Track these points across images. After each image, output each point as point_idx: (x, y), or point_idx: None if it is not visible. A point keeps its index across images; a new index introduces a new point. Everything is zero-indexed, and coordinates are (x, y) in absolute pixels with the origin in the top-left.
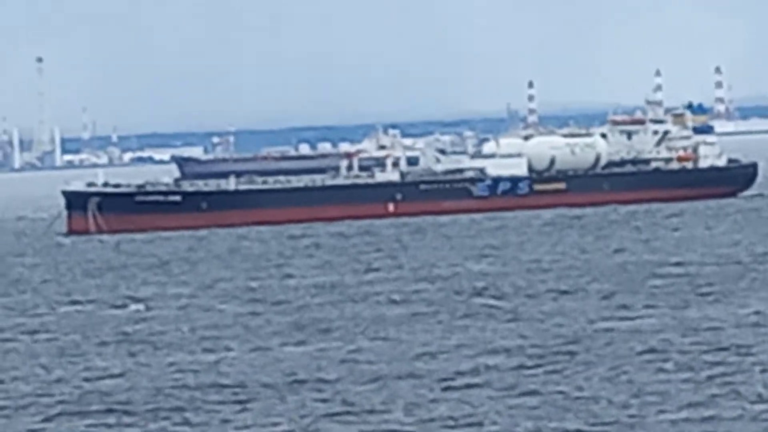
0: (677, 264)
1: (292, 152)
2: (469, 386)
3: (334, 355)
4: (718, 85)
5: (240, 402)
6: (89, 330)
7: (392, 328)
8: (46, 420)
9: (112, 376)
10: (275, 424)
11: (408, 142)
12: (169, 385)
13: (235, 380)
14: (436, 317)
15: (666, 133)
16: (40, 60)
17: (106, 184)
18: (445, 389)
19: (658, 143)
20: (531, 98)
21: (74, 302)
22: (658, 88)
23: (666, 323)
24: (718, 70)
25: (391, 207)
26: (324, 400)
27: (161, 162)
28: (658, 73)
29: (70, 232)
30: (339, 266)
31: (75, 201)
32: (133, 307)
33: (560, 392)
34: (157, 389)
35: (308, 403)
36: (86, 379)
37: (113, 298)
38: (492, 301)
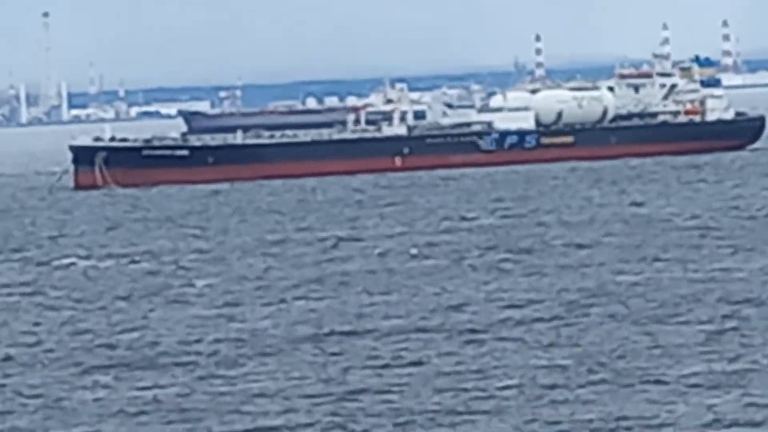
0: (693, 217)
1: (299, 106)
2: (489, 339)
3: (353, 309)
4: (726, 38)
5: (263, 355)
6: (108, 284)
7: (411, 281)
8: (73, 375)
9: (133, 330)
10: (299, 378)
11: (415, 96)
12: (192, 339)
13: (256, 334)
14: (454, 271)
15: (673, 86)
16: (46, 15)
17: (113, 139)
18: (468, 342)
19: (666, 97)
20: (538, 52)
21: (89, 256)
22: (666, 41)
23: (684, 276)
24: (725, 23)
25: (398, 161)
26: (345, 353)
27: (168, 116)
28: (665, 27)
29: (77, 186)
30: (352, 220)
31: (82, 156)
32: (145, 264)
33: (580, 345)
34: (180, 343)
35: (330, 357)
36: (108, 334)
37: (129, 253)
38: (509, 255)
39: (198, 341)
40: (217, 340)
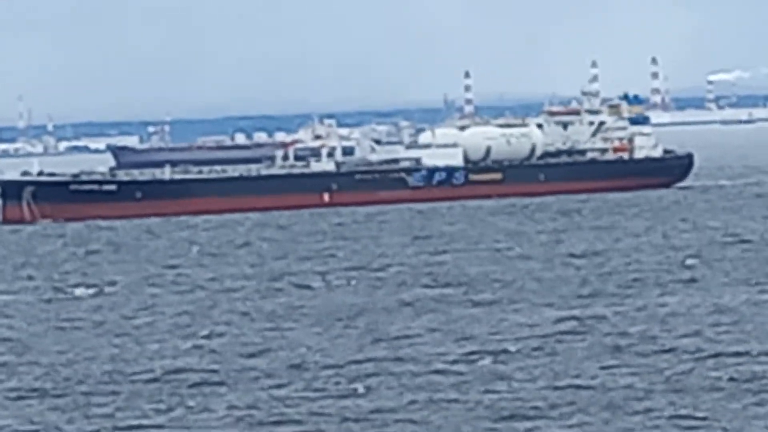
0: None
1: (228, 142)
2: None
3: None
4: (654, 76)
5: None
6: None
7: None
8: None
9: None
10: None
11: (344, 132)
12: (143, 370)
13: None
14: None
15: (602, 123)
16: None
17: (41, 173)
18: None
19: (594, 134)
20: (467, 88)
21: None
22: (594, 78)
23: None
24: (654, 60)
25: (326, 197)
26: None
27: (97, 151)
28: (594, 64)
29: (5, 221)
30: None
31: (9, 190)
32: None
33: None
34: (128, 374)
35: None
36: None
37: (67, 285)
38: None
39: (149, 372)
40: (176, 370)
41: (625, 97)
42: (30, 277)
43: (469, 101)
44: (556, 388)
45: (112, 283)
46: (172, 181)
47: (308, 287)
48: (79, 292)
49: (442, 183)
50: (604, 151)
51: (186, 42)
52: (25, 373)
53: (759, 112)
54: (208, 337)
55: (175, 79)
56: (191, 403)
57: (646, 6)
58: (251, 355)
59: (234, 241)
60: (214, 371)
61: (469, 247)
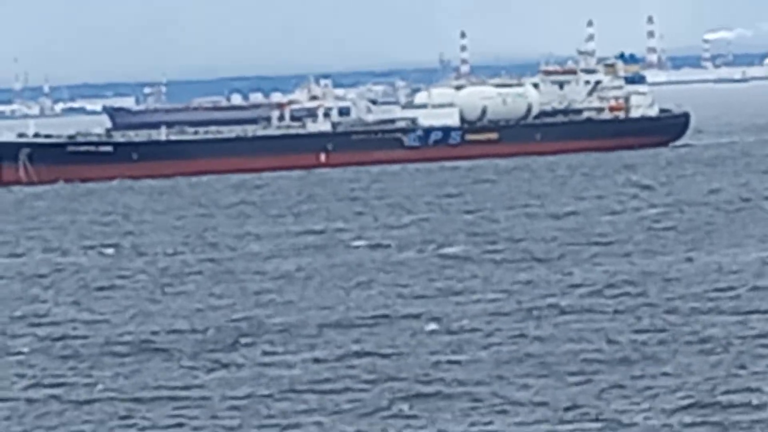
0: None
1: (224, 102)
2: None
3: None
4: (650, 34)
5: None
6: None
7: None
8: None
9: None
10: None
11: (340, 92)
12: (177, 329)
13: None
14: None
15: (598, 83)
16: None
17: (37, 135)
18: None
19: (590, 93)
20: (463, 48)
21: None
22: (590, 38)
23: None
24: (650, 19)
25: (322, 157)
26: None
27: (93, 113)
28: (590, 23)
29: (1, 183)
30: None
31: (6, 152)
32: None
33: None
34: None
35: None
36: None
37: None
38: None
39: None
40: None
41: (621, 57)
42: (49, 239)
43: (464, 61)
44: (589, 343)
45: (139, 244)
46: (168, 142)
47: (339, 245)
48: (108, 252)
49: (439, 143)
50: (600, 110)
51: (182, 3)
52: (67, 334)
53: (753, 71)
54: (238, 296)
55: (171, 40)
56: (225, 361)
57: None
58: (274, 314)
59: (246, 201)
60: (243, 331)
61: (495, 205)
